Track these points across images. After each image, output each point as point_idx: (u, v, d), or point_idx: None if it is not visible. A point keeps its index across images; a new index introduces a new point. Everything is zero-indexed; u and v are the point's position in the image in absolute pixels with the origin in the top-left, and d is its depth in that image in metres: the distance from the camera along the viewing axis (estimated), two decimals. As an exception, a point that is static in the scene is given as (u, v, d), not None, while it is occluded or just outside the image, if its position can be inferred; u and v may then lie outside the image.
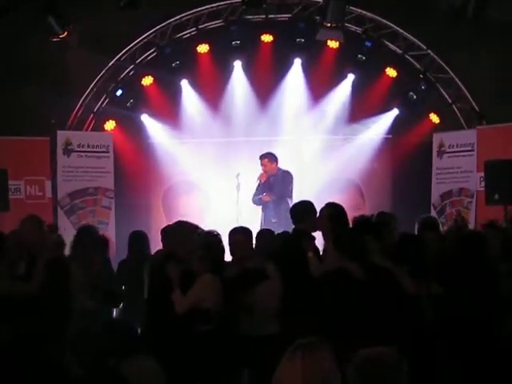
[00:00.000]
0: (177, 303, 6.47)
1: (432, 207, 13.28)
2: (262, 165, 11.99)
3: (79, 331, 3.86)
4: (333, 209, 7.27)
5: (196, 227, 7.10)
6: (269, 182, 11.89)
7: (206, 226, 7.68)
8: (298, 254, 6.73)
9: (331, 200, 7.75)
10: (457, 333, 5.81)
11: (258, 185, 12.02)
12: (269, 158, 12.02)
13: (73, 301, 6.80)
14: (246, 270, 6.72)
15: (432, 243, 6.78)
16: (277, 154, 12.22)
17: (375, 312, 5.66)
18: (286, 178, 12.00)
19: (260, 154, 12.10)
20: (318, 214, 7.36)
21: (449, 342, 5.78)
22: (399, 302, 5.77)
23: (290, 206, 11.56)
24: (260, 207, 11.97)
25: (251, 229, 7.43)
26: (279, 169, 12.02)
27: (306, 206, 7.54)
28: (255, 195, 12.01)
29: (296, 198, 11.07)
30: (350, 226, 7.23)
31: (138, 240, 8.93)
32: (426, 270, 6.15)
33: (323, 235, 7.24)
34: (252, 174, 12.29)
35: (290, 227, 9.10)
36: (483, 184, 12.18)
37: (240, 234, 7.09)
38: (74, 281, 6.84)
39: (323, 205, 7.40)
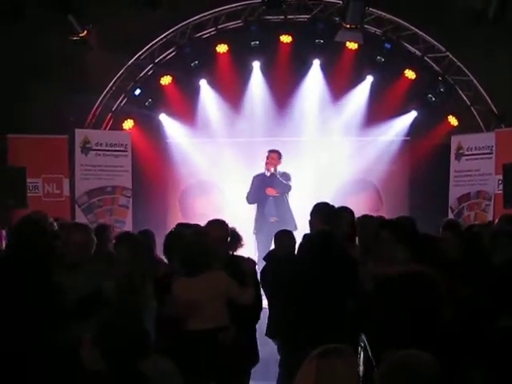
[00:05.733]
0: None
1: (450, 210, 13.23)
2: (268, 157, 11.90)
3: (105, 324, 3.83)
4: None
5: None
6: (270, 178, 11.86)
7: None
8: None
9: (349, 202, 7.71)
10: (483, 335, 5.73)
11: (252, 182, 12.00)
12: (278, 153, 11.98)
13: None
14: None
15: (448, 243, 6.74)
16: (294, 155, 12.20)
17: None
18: (286, 174, 11.98)
19: (269, 149, 12.07)
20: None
21: (474, 344, 5.70)
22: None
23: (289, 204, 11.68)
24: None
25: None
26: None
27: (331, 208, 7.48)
28: (253, 193, 11.98)
29: (314, 199, 11.02)
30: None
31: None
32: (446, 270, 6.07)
33: None
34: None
35: (288, 227, 9.17)
36: (501, 187, 12.14)
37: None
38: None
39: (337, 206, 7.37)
